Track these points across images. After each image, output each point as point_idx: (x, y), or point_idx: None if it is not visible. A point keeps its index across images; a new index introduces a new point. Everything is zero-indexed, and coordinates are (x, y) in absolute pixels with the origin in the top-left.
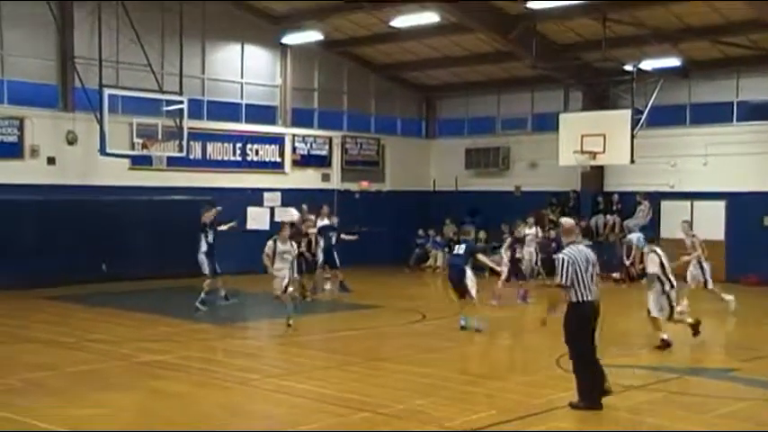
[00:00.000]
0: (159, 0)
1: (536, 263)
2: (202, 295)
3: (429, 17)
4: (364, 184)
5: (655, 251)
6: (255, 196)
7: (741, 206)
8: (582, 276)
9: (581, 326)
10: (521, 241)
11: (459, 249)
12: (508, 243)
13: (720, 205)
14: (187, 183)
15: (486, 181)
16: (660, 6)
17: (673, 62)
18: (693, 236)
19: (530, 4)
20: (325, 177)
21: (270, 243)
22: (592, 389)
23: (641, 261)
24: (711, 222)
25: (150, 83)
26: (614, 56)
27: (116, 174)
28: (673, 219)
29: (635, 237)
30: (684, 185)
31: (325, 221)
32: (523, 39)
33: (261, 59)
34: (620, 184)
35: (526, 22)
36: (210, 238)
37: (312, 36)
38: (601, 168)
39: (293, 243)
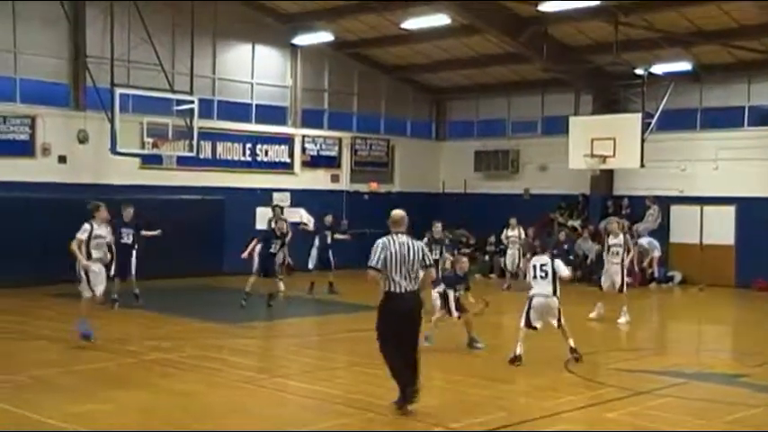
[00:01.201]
0: (171, 0)
1: (518, 265)
2: (114, 295)
3: (440, 19)
4: (373, 186)
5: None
6: (265, 196)
7: (751, 211)
8: (395, 266)
9: (386, 318)
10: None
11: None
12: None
13: (730, 210)
14: (197, 182)
15: (496, 183)
16: (672, 10)
17: (684, 66)
18: (624, 235)
19: (541, 7)
20: (335, 178)
21: (86, 226)
22: (399, 386)
23: (650, 265)
24: (721, 227)
25: (161, 82)
26: (625, 59)
27: (126, 173)
28: (682, 223)
29: (646, 241)
30: (694, 190)
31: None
32: (534, 41)
33: (271, 60)
34: (629, 188)
35: (537, 24)
36: (125, 238)
37: (323, 37)
38: (610, 172)
39: (111, 228)
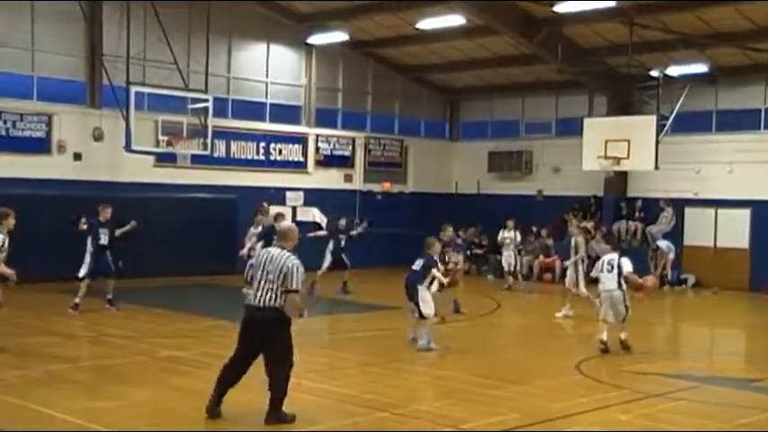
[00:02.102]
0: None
1: (515, 266)
2: (78, 297)
3: (455, 19)
4: (387, 186)
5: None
6: (278, 195)
7: (766, 215)
8: (255, 278)
9: (241, 325)
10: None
11: (417, 265)
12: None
13: (745, 213)
14: (210, 181)
15: (509, 185)
16: (688, 11)
17: (700, 68)
18: (578, 235)
19: (556, 8)
20: (348, 178)
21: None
22: (217, 394)
23: (664, 267)
24: (736, 230)
25: (176, 81)
26: (640, 61)
27: (140, 170)
28: (697, 226)
29: (664, 244)
30: (709, 193)
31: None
32: (549, 42)
33: (286, 59)
34: (643, 190)
35: (552, 25)
36: (103, 239)
37: (337, 36)
38: (624, 174)
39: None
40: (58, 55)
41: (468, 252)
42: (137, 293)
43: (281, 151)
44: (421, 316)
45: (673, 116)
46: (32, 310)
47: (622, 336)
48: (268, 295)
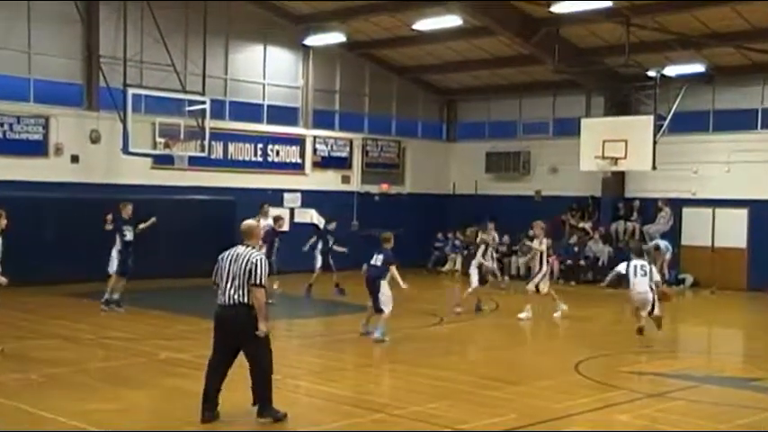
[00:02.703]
0: (184, 0)
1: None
2: (106, 296)
3: (452, 20)
4: (384, 187)
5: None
6: (276, 197)
7: (764, 214)
8: (222, 278)
9: (215, 327)
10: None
11: (377, 260)
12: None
13: (743, 213)
14: (208, 183)
15: (507, 185)
16: (685, 11)
17: (697, 68)
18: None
19: (553, 8)
20: (345, 179)
21: None
22: (207, 397)
23: (662, 268)
24: (733, 230)
25: (173, 83)
26: (637, 61)
27: (138, 173)
28: (694, 226)
29: (663, 244)
30: (706, 192)
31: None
32: (546, 43)
33: (283, 60)
34: (641, 190)
35: (549, 25)
36: (128, 236)
37: (334, 38)
38: (622, 174)
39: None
40: (55, 57)
41: (466, 252)
42: (135, 295)
43: (278, 153)
44: (378, 310)
45: (670, 116)
46: (31, 312)
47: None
48: (237, 293)
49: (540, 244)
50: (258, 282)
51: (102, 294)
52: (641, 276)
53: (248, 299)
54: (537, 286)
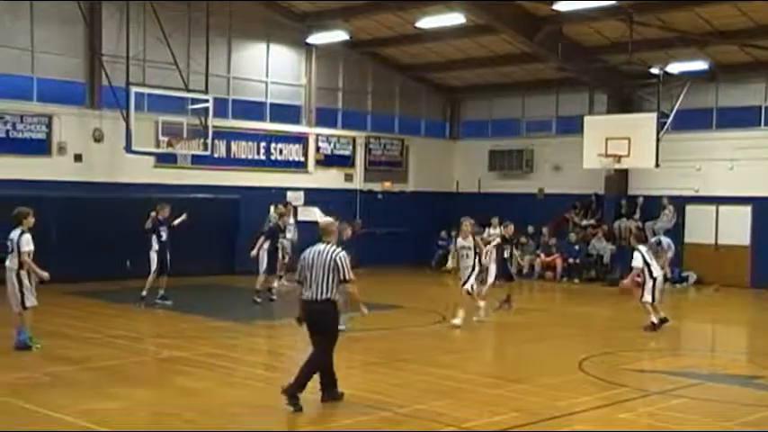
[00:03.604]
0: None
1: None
2: (144, 293)
3: (455, 18)
4: (387, 185)
5: (638, 249)
6: (278, 195)
7: (767, 211)
8: (306, 275)
9: (305, 321)
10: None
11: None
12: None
13: (746, 210)
14: (211, 181)
15: (510, 183)
16: (688, 9)
17: (700, 65)
18: (474, 237)
19: (556, 6)
20: (348, 177)
21: (28, 236)
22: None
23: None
24: (737, 228)
25: (176, 81)
26: (640, 59)
27: (141, 171)
28: (697, 223)
29: (665, 240)
30: (710, 190)
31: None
32: (549, 41)
33: (286, 59)
34: (644, 188)
35: (552, 23)
36: (164, 236)
37: (337, 36)
38: (625, 172)
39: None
40: (58, 56)
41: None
42: (139, 294)
43: (281, 151)
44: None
45: (673, 114)
46: (36, 310)
47: (661, 314)
48: (321, 289)
49: (468, 242)
50: (345, 278)
51: (126, 293)
52: (656, 265)
53: (331, 294)
54: (471, 287)
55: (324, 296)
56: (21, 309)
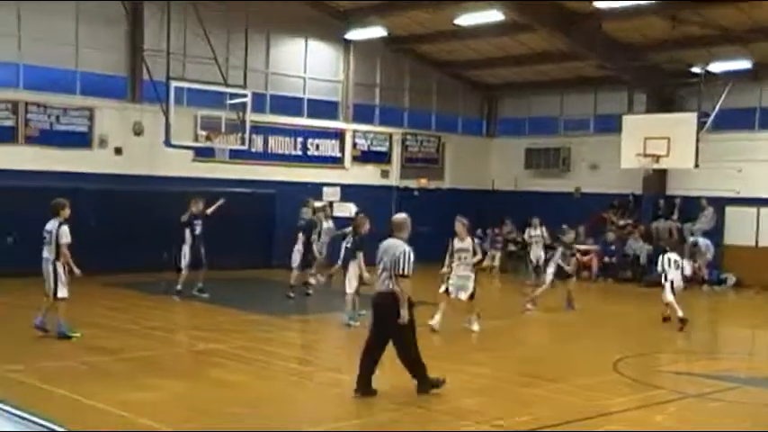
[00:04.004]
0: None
1: (543, 261)
2: (180, 284)
3: (493, 15)
4: (423, 182)
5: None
6: (315, 190)
7: None
8: (378, 267)
9: (372, 313)
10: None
11: (348, 242)
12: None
13: None
14: (248, 175)
15: (546, 182)
16: (731, 6)
17: (743, 64)
18: (473, 238)
19: (596, 3)
20: (385, 174)
21: (66, 228)
22: (360, 375)
23: (701, 267)
24: None
25: (215, 76)
26: (681, 57)
27: (179, 165)
28: (738, 225)
29: (703, 242)
30: (751, 191)
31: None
32: (588, 38)
33: (324, 55)
34: (683, 188)
35: (591, 21)
36: (198, 230)
37: (376, 32)
38: (664, 172)
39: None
40: (101, 50)
41: (505, 248)
42: (176, 286)
43: (318, 146)
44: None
45: (714, 113)
46: (74, 302)
47: (680, 314)
48: (386, 282)
49: (466, 244)
50: (402, 272)
51: (151, 285)
52: (675, 269)
53: (393, 287)
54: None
55: (383, 288)
56: (53, 298)
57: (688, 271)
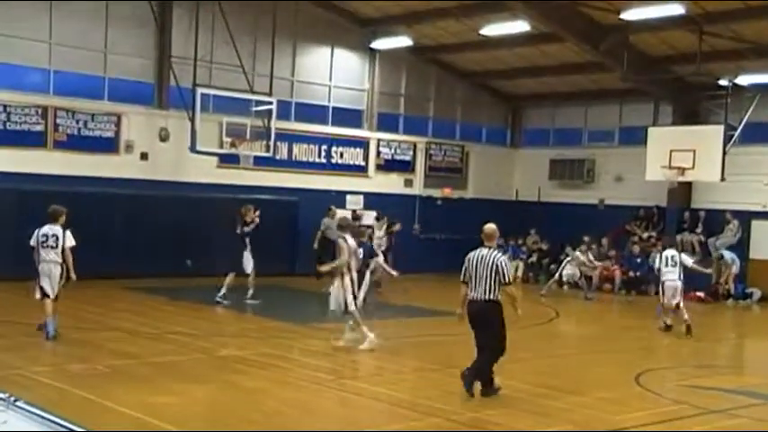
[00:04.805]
0: (254, 0)
1: (579, 277)
2: (250, 290)
3: (519, 26)
4: (447, 191)
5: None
6: (338, 198)
7: None
8: (472, 277)
9: (468, 318)
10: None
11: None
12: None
13: None
14: (272, 182)
15: (570, 193)
16: (760, 19)
17: None
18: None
19: (624, 15)
20: (408, 182)
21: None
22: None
23: (727, 281)
24: None
25: (241, 83)
26: (709, 70)
27: (204, 171)
28: (763, 239)
29: (729, 255)
30: None
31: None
32: (614, 50)
33: (349, 63)
34: (708, 201)
35: (618, 33)
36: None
37: (401, 41)
38: (689, 184)
39: None
40: (129, 57)
41: (529, 259)
42: (198, 292)
43: (342, 155)
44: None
45: (741, 126)
46: (97, 305)
47: (686, 318)
48: (486, 290)
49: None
50: (507, 281)
51: (186, 290)
52: (671, 266)
53: (495, 295)
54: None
55: (489, 297)
56: (45, 298)
57: (689, 262)
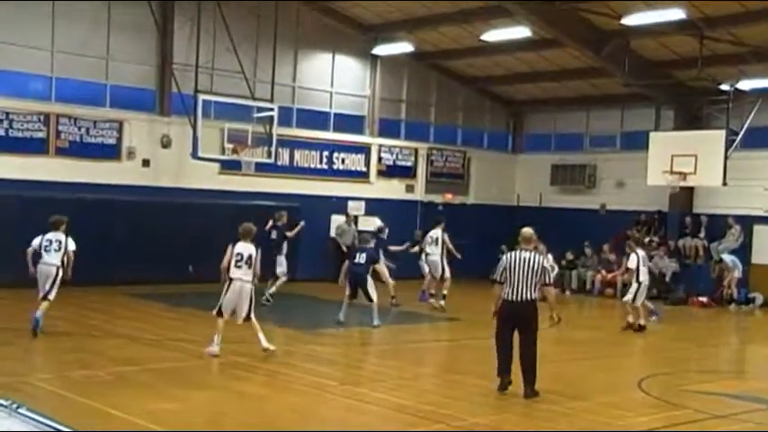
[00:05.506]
0: (255, 0)
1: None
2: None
3: (520, 32)
4: (448, 197)
5: (636, 253)
6: (340, 204)
7: None
8: (511, 278)
9: (502, 318)
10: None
11: (361, 259)
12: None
13: None
14: (274, 189)
15: (571, 198)
16: (761, 23)
17: None
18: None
19: (624, 20)
20: (410, 188)
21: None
22: (499, 366)
23: (730, 285)
24: None
25: (243, 90)
26: (710, 74)
27: (206, 177)
28: (766, 244)
29: (730, 259)
30: None
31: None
32: (616, 55)
33: (351, 69)
34: (710, 206)
35: (619, 38)
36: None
37: (402, 47)
38: (690, 189)
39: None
40: (131, 64)
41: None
42: (200, 298)
43: (343, 160)
44: (370, 299)
45: (743, 131)
46: (99, 311)
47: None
48: (527, 291)
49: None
50: (549, 282)
51: (187, 297)
52: (643, 267)
53: (534, 296)
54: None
55: (529, 297)
56: (44, 298)
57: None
